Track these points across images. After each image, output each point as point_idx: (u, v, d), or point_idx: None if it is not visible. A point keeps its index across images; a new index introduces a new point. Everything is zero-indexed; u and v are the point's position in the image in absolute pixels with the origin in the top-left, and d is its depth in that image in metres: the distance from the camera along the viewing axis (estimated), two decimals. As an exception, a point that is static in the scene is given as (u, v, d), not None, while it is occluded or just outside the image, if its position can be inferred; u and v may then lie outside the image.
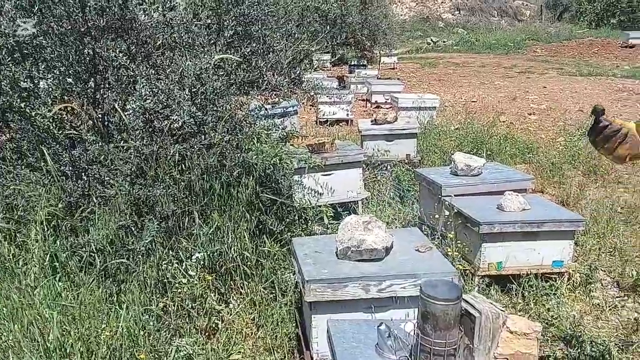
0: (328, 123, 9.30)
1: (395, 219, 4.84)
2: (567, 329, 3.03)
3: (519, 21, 27.79)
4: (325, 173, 4.53)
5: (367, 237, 2.52)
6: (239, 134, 3.45)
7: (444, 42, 24.58)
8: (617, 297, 3.51)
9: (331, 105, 9.57)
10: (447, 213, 3.66)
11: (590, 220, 4.52)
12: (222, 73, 3.30)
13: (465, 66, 18.29)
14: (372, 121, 6.33)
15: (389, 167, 5.84)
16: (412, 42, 25.47)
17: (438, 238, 3.86)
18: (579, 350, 2.82)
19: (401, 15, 27.26)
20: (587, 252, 3.96)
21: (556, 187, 5.81)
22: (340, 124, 9.39)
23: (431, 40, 24.81)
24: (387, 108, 9.88)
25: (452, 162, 4.07)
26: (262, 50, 3.60)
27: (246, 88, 3.53)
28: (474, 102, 11.48)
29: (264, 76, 3.45)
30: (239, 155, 3.33)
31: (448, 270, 2.45)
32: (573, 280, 3.44)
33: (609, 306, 3.35)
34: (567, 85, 12.77)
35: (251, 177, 3.47)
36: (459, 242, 3.50)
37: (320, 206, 4.36)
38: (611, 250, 4.10)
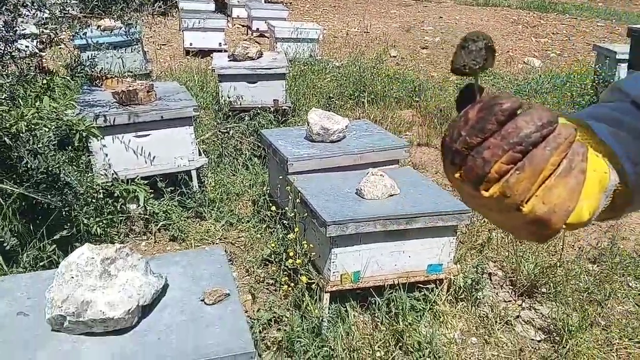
0: (195, 54, 7.85)
1: (249, 190, 3.74)
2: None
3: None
4: (139, 134, 3.26)
5: (97, 296, 1.39)
6: None
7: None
8: (509, 301, 2.72)
9: (203, 32, 8.10)
10: (293, 198, 2.60)
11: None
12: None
13: (361, -9, 17.06)
14: (229, 56, 5.02)
15: (247, 117, 4.63)
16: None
17: (282, 229, 2.82)
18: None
19: None
20: (471, 239, 3.10)
21: (444, 138, 4.97)
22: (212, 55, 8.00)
23: (329, -39, 23.04)
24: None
25: (307, 124, 2.97)
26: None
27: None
28: (367, 32, 10.41)
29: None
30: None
31: (238, 347, 1.38)
32: (455, 288, 2.56)
33: (501, 319, 2.54)
34: (463, 15, 12.02)
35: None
36: (305, 242, 2.47)
37: (132, 180, 3.16)
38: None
